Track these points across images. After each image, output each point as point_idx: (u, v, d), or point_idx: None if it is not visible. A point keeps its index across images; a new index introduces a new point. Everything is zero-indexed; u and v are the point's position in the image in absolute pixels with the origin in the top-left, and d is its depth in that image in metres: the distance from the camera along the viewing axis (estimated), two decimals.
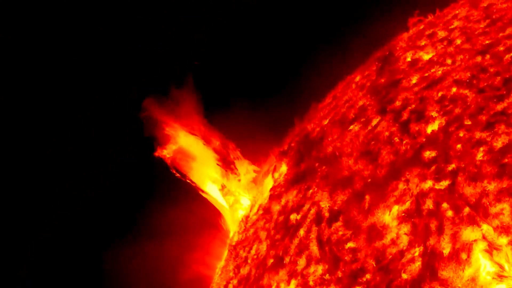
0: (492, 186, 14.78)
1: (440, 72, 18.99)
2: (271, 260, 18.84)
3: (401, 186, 16.48)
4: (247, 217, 23.24)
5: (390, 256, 15.41)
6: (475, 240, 14.31)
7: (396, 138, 17.82)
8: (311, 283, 16.87)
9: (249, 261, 20.41)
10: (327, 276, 16.58)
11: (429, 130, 17.27)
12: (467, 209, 14.84)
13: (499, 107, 16.15)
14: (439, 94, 18.04)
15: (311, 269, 17.15)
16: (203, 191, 25.69)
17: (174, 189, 26.75)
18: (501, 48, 17.96)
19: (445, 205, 15.28)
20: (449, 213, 15.08)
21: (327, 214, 17.91)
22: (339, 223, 17.28)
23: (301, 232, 18.31)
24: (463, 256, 14.21)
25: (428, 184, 15.93)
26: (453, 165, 15.84)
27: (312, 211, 18.52)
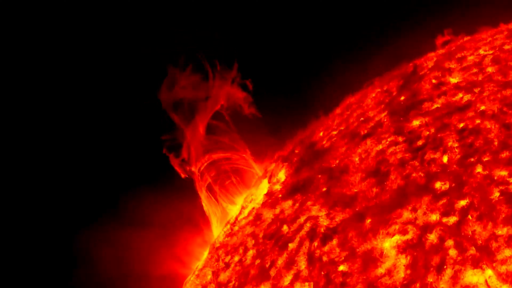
0: (503, 230, 14.62)
1: (465, 100, 18.79)
2: (255, 270, 18.61)
3: (406, 214, 16.30)
4: (235, 219, 22.92)
5: None
6: (476, 285, 14.15)
7: (408, 163, 17.60)
8: None
9: (231, 267, 20.15)
10: None
11: (445, 159, 17.07)
12: (472, 250, 14.67)
13: None
14: (461, 124, 17.85)
15: (297, 287, 16.93)
16: (199, 187, 25.31)
17: (164, 182, 26.53)
18: None
19: (450, 242, 15.12)
20: (453, 251, 14.90)
21: (322, 231, 17.68)
22: (334, 243, 17.07)
23: (292, 246, 18.08)
24: None
25: (436, 217, 15.75)
26: (466, 201, 15.67)
27: (307, 225, 18.29)
